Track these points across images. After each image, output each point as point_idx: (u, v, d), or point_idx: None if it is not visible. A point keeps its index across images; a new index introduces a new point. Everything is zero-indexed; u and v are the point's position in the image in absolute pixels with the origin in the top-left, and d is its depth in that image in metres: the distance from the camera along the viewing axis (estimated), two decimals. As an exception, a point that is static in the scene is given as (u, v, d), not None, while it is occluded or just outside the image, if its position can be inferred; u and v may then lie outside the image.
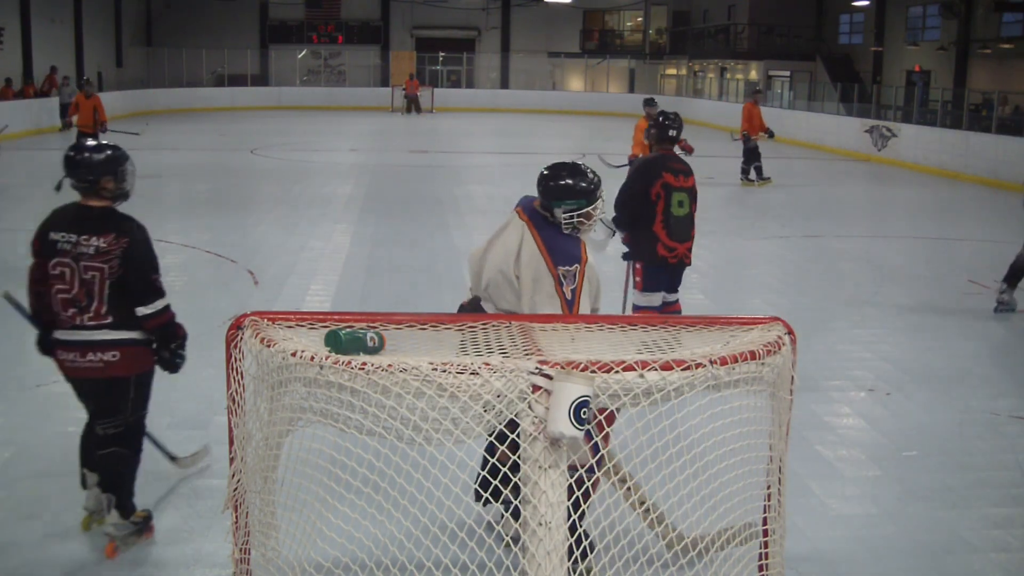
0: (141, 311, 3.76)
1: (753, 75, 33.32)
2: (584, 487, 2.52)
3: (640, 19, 40.73)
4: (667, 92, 38.49)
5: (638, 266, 5.97)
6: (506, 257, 3.43)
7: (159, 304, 3.79)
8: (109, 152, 3.88)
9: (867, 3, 30.18)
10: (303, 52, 38.57)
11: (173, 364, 3.93)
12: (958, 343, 7.25)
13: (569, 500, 2.33)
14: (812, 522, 4.29)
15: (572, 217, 3.49)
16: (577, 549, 2.47)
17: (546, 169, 3.63)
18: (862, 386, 6.21)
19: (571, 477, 2.37)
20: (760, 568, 2.75)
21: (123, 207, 3.92)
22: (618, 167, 13.53)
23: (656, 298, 5.95)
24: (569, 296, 3.36)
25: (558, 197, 3.49)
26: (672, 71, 40.13)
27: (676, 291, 6.09)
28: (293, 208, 13.14)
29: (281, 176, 16.87)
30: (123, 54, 34.60)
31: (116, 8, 33.76)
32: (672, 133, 6.19)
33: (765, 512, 2.78)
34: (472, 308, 3.52)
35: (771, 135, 16.36)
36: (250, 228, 11.47)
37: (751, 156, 16.19)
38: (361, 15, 38.95)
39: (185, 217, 12.15)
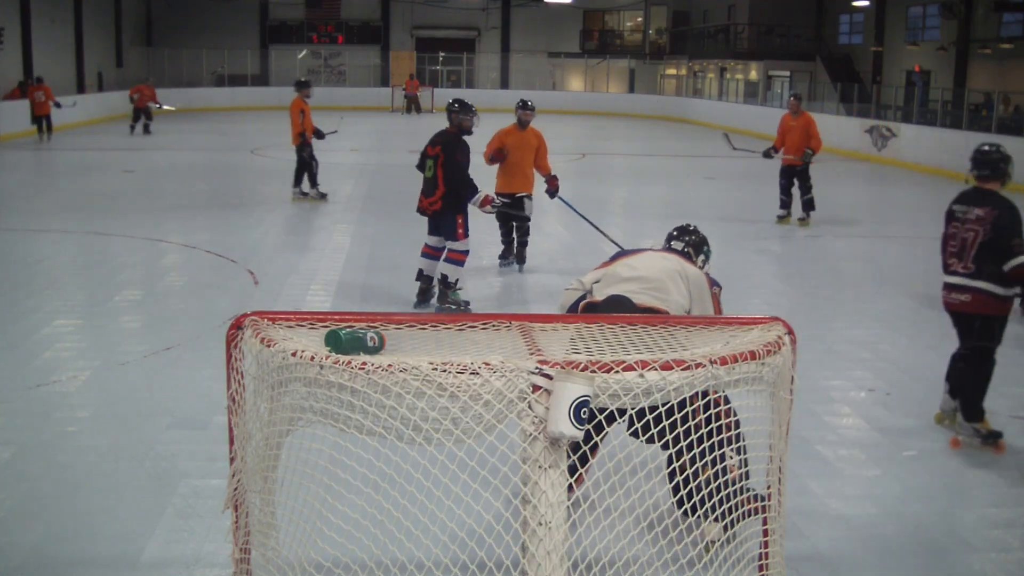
0: (1005, 267, 4.92)
1: (753, 75, 33.32)
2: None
3: (640, 19, 40.72)
4: (667, 92, 38.50)
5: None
6: (670, 271, 4.20)
7: (1015, 262, 4.89)
8: (1001, 152, 5.24)
9: (867, 3, 30.16)
10: (303, 52, 38.56)
11: None
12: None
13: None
14: (812, 522, 4.29)
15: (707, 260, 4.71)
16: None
17: (684, 231, 4.62)
18: (862, 386, 6.21)
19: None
20: (760, 568, 2.75)
21: None
22: (739, 149, 13.77)
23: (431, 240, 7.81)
24: (720, 299, 4.45)
25: (703, 248, 4.64)
26: (672, 71, 40.11)
27: (444, 236, 7.71)
28: (293, 208, 13.14)
29: (281, 176, 16.84)
30: (123, 54, 34.58)
31: (116, 8, 33.75)
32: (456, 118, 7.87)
33: (765, 512, 2.78)
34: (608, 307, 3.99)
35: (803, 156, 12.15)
36: (250, 228, 11.46)
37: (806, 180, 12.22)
38: (361, 15, 38.96)
39: (185, 217, 12.14)
